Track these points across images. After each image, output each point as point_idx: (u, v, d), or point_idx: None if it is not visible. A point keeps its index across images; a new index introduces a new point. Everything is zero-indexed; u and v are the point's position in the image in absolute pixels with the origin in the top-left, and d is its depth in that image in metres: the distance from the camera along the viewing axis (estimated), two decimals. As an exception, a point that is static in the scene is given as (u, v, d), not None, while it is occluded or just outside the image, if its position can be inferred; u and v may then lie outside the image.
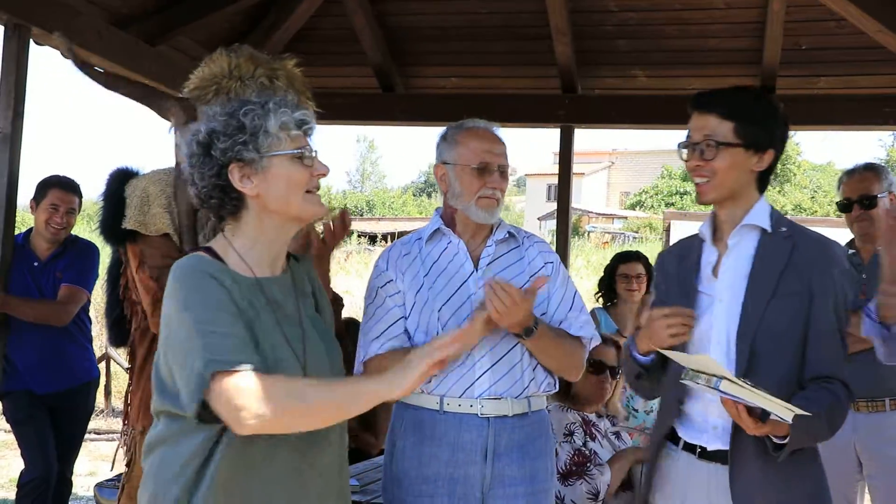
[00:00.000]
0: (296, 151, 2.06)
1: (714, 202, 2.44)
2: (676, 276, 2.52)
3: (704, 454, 2.40)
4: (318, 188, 2.12)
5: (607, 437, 3.74)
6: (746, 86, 2.57)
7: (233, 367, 1.88)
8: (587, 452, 3.56)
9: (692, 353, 2.27)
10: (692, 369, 2.18)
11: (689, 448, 2.44)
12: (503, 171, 2.77)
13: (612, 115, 6.13)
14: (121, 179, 2.80)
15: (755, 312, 2.32)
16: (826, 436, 2.31)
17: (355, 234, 23.82)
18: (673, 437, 2.49)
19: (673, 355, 2.27)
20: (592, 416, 3.74)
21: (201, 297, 1.96)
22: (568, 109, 6.02)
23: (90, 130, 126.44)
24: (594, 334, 2.84)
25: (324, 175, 2.11)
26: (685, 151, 2.43)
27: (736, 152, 2.37)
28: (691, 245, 2.56)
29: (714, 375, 2.11)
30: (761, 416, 2.13)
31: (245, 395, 1.86)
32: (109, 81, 2.89)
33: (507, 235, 2.81)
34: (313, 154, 2.09)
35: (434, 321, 2.69)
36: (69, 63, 2.86)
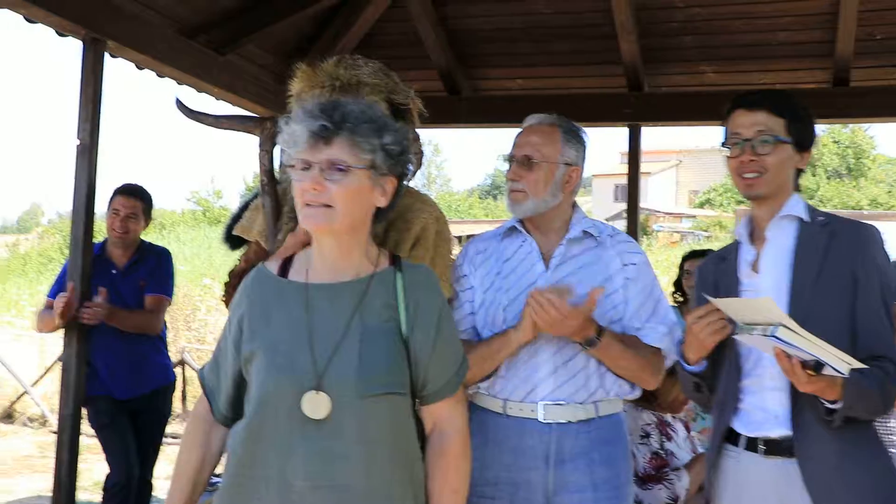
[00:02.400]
0: (294, 165, 2.04)
1: (763, 197, 2.47)
2: (714, 281, 2.53)
3: (770, 449, 2.38)
4: (321, 203, 1.99)
5: (679, 434, 3.69)
6: (780, 89, 2.63)
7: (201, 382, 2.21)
8: (664, 455, 3.52)
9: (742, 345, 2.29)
10: (745, 322, 2.21)
11: (752, 446, 2.41)
12: (524, 161, 2.69)
13: (679, 113, 6.05)
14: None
15: (802, 299, 2.34)
16: (880, 410, 2.35)
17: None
18: (731, 439, 2.46)
19: (728, 302, 2.30)
20: (668, 417, 3.70)
21: (230, 317, 2.16)
22: (635, 108, 5.98)
23: (168, 138, 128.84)
24: (674, 348, 2.67)
25: (306, 190, 2.00)
26: (729, 149, 2.47)
27: (787, 149, 2.45)
28: (729, 250, 2.59)
29: (770, 324, 2.12)
30: (815, 368, 2.14)
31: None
32: (218, 122, 2.98)
33: (583, 234, 2.73)
34: (305, 168, 2.00)
35: (499, 320, 2.67)
36: (179, 112, 2.98)
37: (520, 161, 2.71)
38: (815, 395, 2.23)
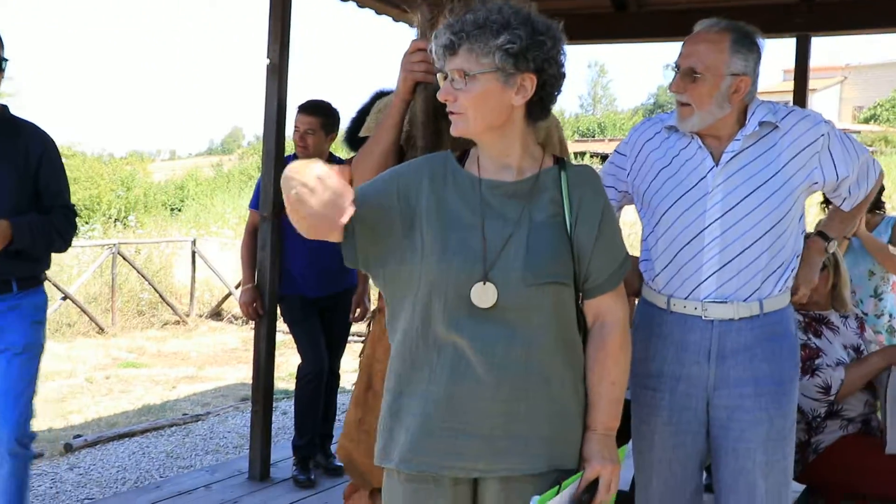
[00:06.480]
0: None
1: None
2: None
3: None
4: (455, 112, 2.00)
5: (840, 334, 3.43)
6: None
7: None
8: (813, 346, 3.31)
9: None
10: None
11: None
12: (688, 73, 2.44)
13: (851, 21, 5.54)
14: (377, 97, 2.83)
15: None
16: None
17: (588, 155, 23.52)
18: None
19: None
20: (832, 315, 3.46)
21: (390, 174, 2.13)
22: (806, 17, 5.53)
23: (355, 58, 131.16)
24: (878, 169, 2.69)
25: (446, 100, 2.00)
26: None
27: None
28: None
29: None
30: None
31: None
32: None
33: (759, 126, 2.47)
34: (445, 77, 2.01)
35: (670, 217, 2.50)
36: None
37: (684, 73, 2.46)
38: None
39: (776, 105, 2.55)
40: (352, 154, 2.87)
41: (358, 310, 4.94)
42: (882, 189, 4.49)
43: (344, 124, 5.07)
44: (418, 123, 2.50)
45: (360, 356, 2.76)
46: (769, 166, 2.46)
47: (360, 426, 2.59)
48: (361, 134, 2.75)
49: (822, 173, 2.52)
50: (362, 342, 2.84)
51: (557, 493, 1.94)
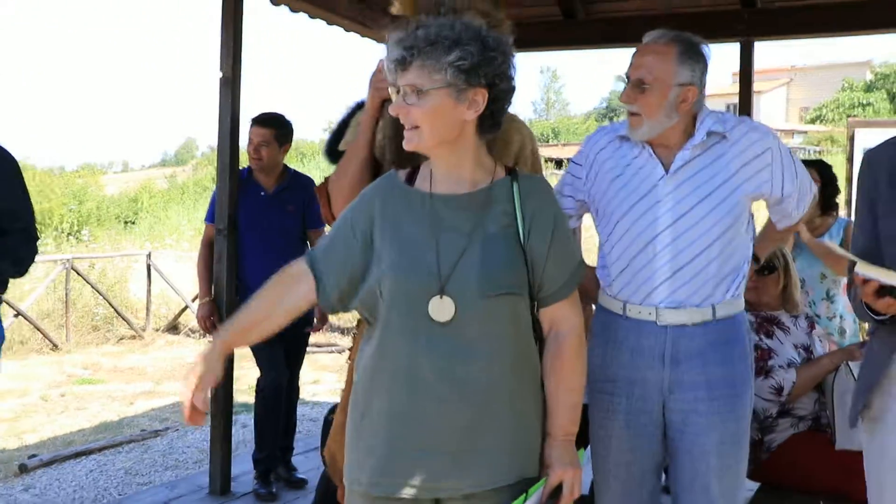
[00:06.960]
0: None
1: None
2: (891, 169, 2.25)
3: None
4: (410, 126, 2.02)
5: (791, 334, 3.50)
6: None
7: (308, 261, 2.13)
8: (765, 347, 3.37)
9: None
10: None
11: None
12: (637, 84, 2.50)
13: (792, 27, 5.68)
14: (357, 108, 2.86)
15: None
16: None
17: (543, 160, 23.66)
18: None
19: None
20: (783, 316, 3.52)
21: (344, 213, 2.15)
22: (748, 23, 5.65)
23: (304, 70, 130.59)
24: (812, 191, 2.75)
25: (398, 115, 2.03)
26: None
27: None
28: None
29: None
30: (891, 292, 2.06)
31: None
32: None
33: (707, 136, 2.53)
34: (397, 93, 2.03)
35: (620, 230, 2.56)
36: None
37: (633, 84, 2.52)
38: None
39: (725, 115, 2.61)
40: (332, 166, 2.90)
41: (315, 320, 4.93)
42: (837, 191, 4.57)
43: (301, 135, 5.10)
44: (386, 139, 2.53)
45: (348, 360, 2.79)
46: (717, 175, 2.51)
47: (344, 429, 2.63)
48: (340, 147, 2.78)
49: (771, 186, 2.57)
50: (347, 352, 2.86)
51: (524, 501, 1.97)
